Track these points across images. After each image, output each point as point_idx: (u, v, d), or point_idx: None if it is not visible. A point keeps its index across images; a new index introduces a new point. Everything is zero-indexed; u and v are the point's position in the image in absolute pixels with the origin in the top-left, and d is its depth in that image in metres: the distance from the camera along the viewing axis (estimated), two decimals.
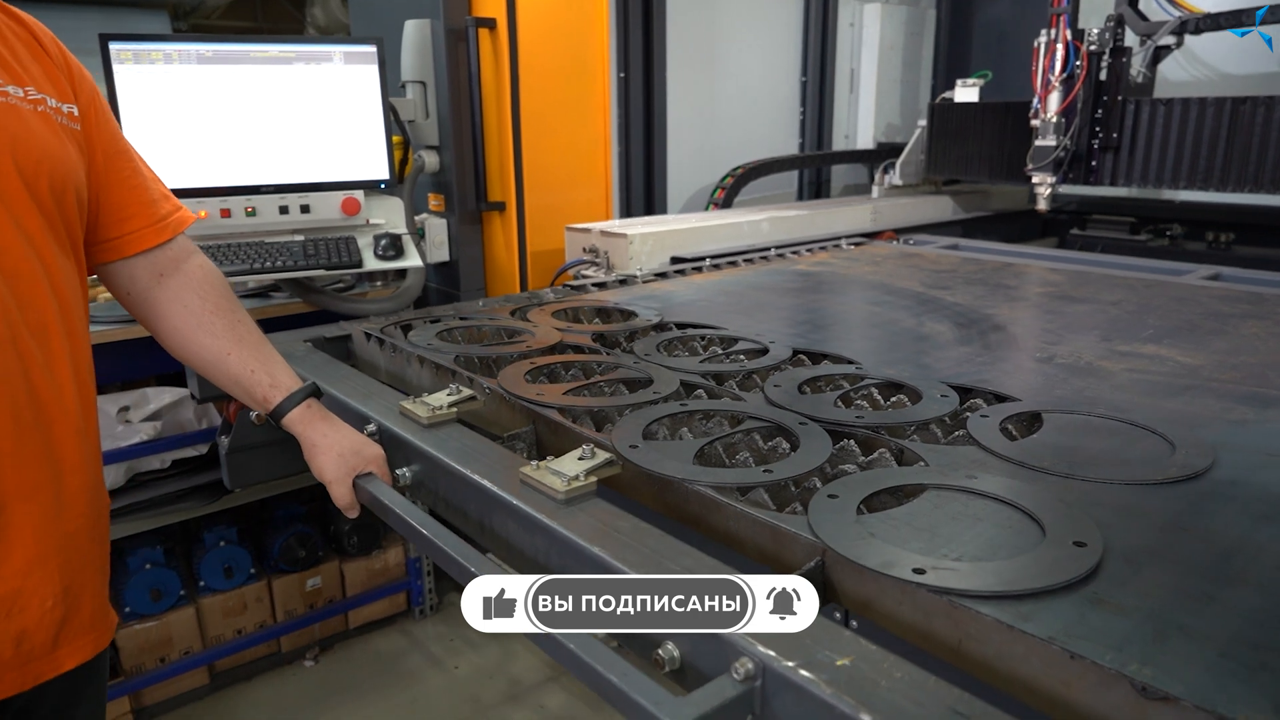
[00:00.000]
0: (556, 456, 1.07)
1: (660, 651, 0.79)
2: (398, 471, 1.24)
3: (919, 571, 0.80)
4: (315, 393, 1.30)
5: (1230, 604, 0.77)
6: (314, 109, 2.49)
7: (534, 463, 1.06)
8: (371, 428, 1.29)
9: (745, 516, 0.95)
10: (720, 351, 1.62)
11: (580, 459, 1.06)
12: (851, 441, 1.16)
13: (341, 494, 1.22)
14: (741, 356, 1.58)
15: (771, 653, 0.71)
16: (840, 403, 1.31)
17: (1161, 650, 0.70)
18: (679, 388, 1.36)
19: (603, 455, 1.07)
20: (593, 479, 1.03)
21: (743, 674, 0.71)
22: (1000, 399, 1.33)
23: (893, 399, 1.36)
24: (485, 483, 1.05)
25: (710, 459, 1.14)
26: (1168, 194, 3.72)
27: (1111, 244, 3.49)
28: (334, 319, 1.95)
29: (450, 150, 2.91)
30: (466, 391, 1.33)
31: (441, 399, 1.30)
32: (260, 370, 1.28)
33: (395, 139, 2.71)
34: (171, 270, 1.27)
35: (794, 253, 2.78)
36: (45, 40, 1.16)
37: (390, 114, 2.63)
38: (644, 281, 2.33)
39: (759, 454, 1.18)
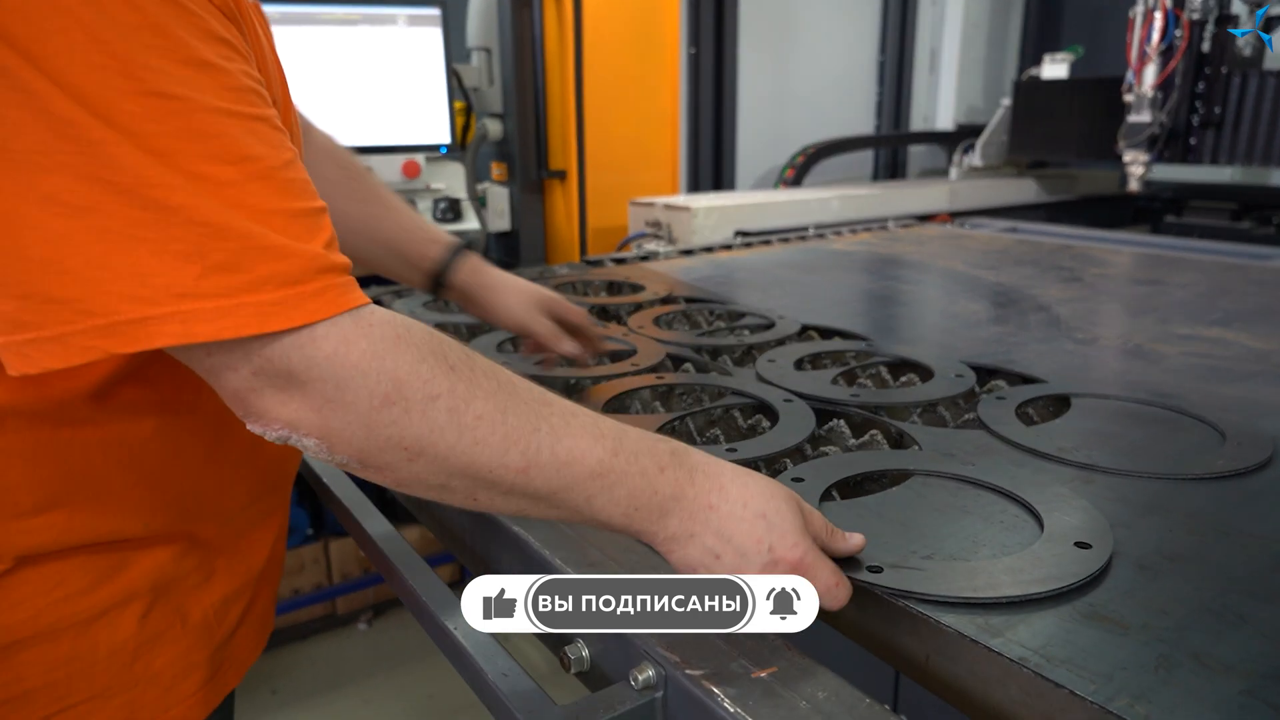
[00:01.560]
0: None
1: (568, 650, 0.68)
2: None
3: (875, 570, 0.66)
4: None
5: (1267, 627, 0.61)
6: (377, 71, 2.46)
7: None
8: None
9: None
10: (723, 325, 1.49)
11: None
12: (841, 422, 1.02)
13: (544, 327, 1.11)
14: (745, 331, 1.45)
15: (676, 658, 0.59)
16: (841, 380, 1.17)
17: (1165, 682, 0.55)
18: (664, 360, 1.24)
19: None
20: None
21: (641, 682, 0.60)
22: (1026, 380, 1.16)
23: (902, 378, 1.21)
24: None
25: (678, 436, 1.02)
26: (1277, 178, 3.38)
27: (1210, 231, 3.12)
28: (393, 284, 1.92)
29: (513, 118, 2.83)
30: None
31: None
32: (416, 229, 1.13)
33: (458, 105, 2.67)
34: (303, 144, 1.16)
35: (835, 233, 2.61)
36: None
37: (453, 78, 2.58)
38: (665, 258, 2.21)
39: (737, 433, 1.05)
